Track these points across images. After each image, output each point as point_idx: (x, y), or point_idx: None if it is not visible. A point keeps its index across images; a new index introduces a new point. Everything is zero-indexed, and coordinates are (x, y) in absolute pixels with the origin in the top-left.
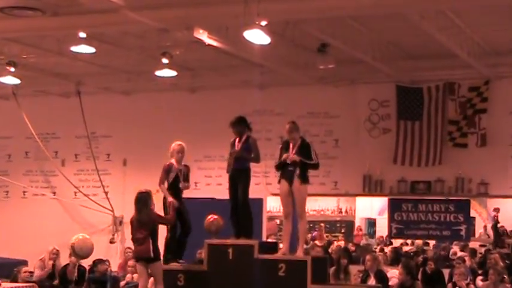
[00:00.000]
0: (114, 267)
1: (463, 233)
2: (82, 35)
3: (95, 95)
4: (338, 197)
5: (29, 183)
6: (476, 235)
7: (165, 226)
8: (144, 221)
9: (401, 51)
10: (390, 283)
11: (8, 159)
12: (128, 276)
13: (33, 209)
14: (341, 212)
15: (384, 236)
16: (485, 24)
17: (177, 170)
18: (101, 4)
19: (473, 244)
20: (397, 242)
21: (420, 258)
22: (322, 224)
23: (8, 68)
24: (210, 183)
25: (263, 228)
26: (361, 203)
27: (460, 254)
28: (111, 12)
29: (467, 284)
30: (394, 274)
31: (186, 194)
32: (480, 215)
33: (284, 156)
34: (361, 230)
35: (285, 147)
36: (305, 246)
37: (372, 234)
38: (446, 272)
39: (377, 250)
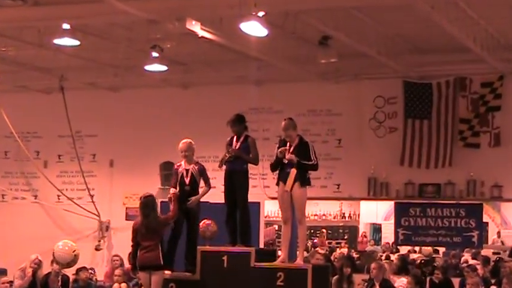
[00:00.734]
0: (100, 276)
1: (474, 239)
2: (66, 26)
3: (79, 91)
4: (341, 201)
5: (8, 185)
6: (489, 242)
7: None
8: (153, 227)
9: (409, 44)
10: None
11: None
12: (115, 286)
13: (13, 214)
14: (344, 217)
15: (390, 243)
16: (499, 15)
17: (182, 171)
18: None
19: (485, 251)
20: (404, 249)
21: (430, 268)
22: (324, 230)
23: None
24: (203, 185)
25: (260, 235)
26: (366, 208)
27: (471, 262)
28: (96, 2)
29: None
30: (401, 283)
31: None
32: (493, 220)
33: (281, 149)
34: (365, 236)
35: (282, 147)
36: (305, 253)
37: (377, 240)
38: (456, 281)
39: (383, 258)
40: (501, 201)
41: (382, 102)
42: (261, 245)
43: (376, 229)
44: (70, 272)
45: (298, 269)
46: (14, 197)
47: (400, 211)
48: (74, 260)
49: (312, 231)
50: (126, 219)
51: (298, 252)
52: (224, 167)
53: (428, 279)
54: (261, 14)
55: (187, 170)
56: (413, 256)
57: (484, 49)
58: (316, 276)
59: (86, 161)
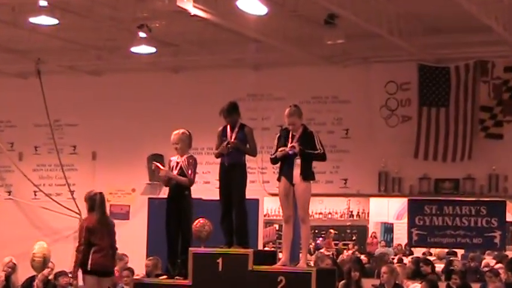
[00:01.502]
0: (81, 281)
1: (497, 240)
2: (43, 3)
3: (58, 76)
4: (348, 198)
5: None
6: None
7: None
8: (110, 226)
9: (425, 23)
10: None
11: None
12: None
13: None
14: (352, 216)
15: (403, 244)
16: None
17: (173, 164)
18: None
19: (509, 254)
20: (418, 252)
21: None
22: (331, 231)
23: None
24: (196, 180)
25: (259, 235)
26: (376, 205)
27: (493, 265)
28: None
29: None
30: None
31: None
32: None
33: (281, 149)
34: (375, 237)
35: (283, 136)
36: (309, 256)
37: (388, 241)
38: (476, 287)
39: (394, 261)
40: None
41: (395, 88)
42: (260, 247)
43: (388, 229)
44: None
45: (301, 273)
46: None
47: (414, 209)
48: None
49: (316, 231)
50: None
51: (301, 254)
52: (219, 159)
53: (445, 284)
54: None
55: (177, 163)
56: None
57: (507, 29)
58: (321, 281)
59: (65, 153)
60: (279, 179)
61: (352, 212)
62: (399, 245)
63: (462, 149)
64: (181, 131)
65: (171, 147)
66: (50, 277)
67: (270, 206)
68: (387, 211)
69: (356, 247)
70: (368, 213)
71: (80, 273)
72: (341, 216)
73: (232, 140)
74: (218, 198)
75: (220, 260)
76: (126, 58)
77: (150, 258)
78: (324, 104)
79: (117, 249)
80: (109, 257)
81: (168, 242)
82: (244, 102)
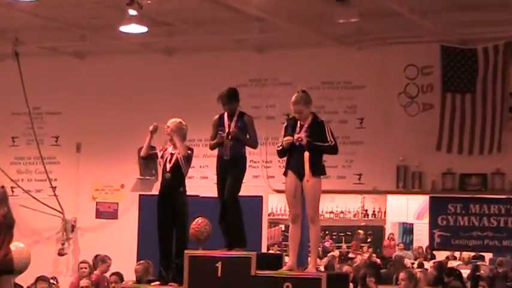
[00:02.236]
0: (64, 287)
1: None
2: None
3: (38, 58)
4: (363, 195)
5: None
6: None
7: None
8: (12, 224)
9: (448, 0)
10: None
11: None
12: None
13: None
14: (367, 215)
15: (424, 247)
16: None
17: (167, 155)
18: None
19: None
20: (441, 255)
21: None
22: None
23: None
24: (192, 175)
25: (263, 236)
26: (394, 203)
27: None
28: None
29: None
30: None
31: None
32: None
33: (286, 139)
34: (393, 238)
35: (290, 126)
36: (318, 260)
37: (407, 244)
38: None
39: (414, 266)
40: None
41: (415, 73)
42: (264, 249)
43: (407, 230)
44: (24, 282)
45: (310, 278)
46: None
47: (437, 208)
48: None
49: (327, 232)
50: (97, 217)
51: (309, 257)
52: (215, 151)
53: None
54: None
55: (172, 155)
56: (452, 264)
57: None
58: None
59: (46, 144)
60: (285, 174)
61: (367, 211)
62: (420, 247)
63: (490, 141)
64: (177, 120)
65: (164, 138)
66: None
67: (275, 204)
68: (406, 210)
69: (371, 250)
70: (385, 213)
71: None
72: (354, 216)
73: (233, 128)
74: (216, 195)
75: (219, 264)
76: (114, 39)
77: (141, 262)
78: (335, 90)
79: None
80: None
81: (161, 244)
82: (246, 88)
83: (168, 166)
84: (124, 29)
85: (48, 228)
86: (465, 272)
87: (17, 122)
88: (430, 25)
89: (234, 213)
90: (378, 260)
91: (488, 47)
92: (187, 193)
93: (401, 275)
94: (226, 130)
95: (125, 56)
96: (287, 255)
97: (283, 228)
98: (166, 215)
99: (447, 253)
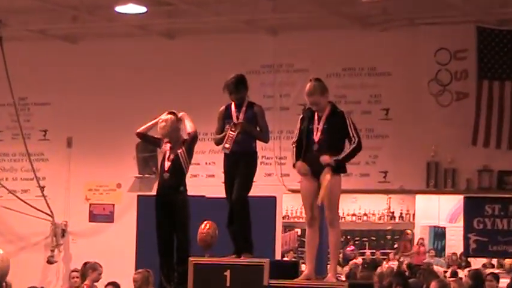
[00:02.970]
0: None
1: None
2: None
3: (24, 42)
4: (389, 195)
5: None
6: None
7: None
8: None
9: None
10: None
11: None
12: None
13: None
14: (393, 218)
15: (458, 254)
16: None
17: (166, 151)
18: None
19: None
20: (477, 263)
21: None
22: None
23: None
24: (197, 173)
25: (277, 242)
26: (424, 204)
27: None
28: None
29: None
30: None
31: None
32: None
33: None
34: (422, 244)
35: (307, 118)
36: (339, 268)
37: (439, 250)
38: None
39: (447, 274)
40: None
41: (447, 57)
42: (278, 256)
43: (438, 234)
44: None
45: None
46: None
47: (472, 209)
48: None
49: (348, 237)
50: (91, 221)
51: (329, 265)
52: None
53: None
54: None
55: (170, 150)
56: (489, 271)
57: None
58: None
59: (34, 139)
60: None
61: (393, 213)
62: (453, 254)
63: None
64: (168, 118)
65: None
66: None
67: (290, 206)
68: (438, 212)
69: (398, 257)
70: (413, 215)
71: None
72: (379, 219)
73: (241, 119)
74: (224, 195)
75: (228, 273)
76: (109, 20)
77: (139, 271)
78: (358, 77)
79: None
80: None
81: (161, 250)
82: (257, 76)
83: (167, 165)
84: (120, 9)
85: (35, 233)
86: (504, 282)
87: (1, 114)
88: (465, 4)
89: (242, 216)
90: (406, 268)
91: None
92: (192, 193)
93: (433, 284)
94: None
95: (122, 40)
96: (304, 263)
97: (299, 233)
98: (165, 217)
99: (484, 260)
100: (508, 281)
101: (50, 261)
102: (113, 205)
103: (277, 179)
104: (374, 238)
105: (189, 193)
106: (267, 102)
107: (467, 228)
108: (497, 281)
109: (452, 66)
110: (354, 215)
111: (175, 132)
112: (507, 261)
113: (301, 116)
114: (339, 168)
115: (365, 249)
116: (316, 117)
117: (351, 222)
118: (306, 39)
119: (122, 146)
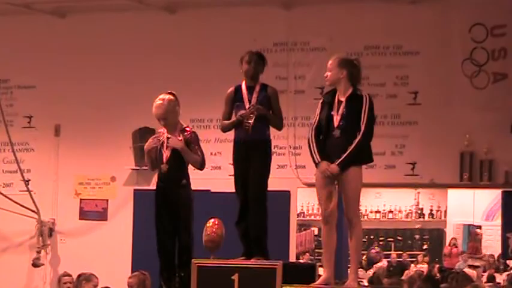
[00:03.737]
0: None
1: None
2: None
3: (7, 18)
4: (417, 190)
5: None
6: None
7: None
8: None
9: None
10: None
11: None
12: None
13: None
14: (422, 215)
15: (496, 256)
16: None
17: (163, 140)
18: None
19: None
20: None
21: None
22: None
23: None
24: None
25: (291, 242)
26: (457, 200)
27: None
28: None
29: None
30: None
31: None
32: None
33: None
34: (455, 245)
35: (327, 103)
36: (361, 271)
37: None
38: None
39: (483, 279)
40: None
41: (483, 34)
42: (293, 258)
43: (474, 234)
44: None
45: None
46: None
47: None
48: None
49: (371, 236)
50: (81, 219)
51: (349, 269)
52: (230, 134)
53: None
54: None
55: (168, 139)
56: None
57: None
58: None
59: (17, 126)
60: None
61: (422, 209)
62: (490, 256)
63: None
64: (166, 97)
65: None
66: None
67: (306, 201)
68: (473, 209)
69: (428, 259)
70: (445, 212)
71: None
72: (407, 216)
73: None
74: (233, 190)
75: (236, 277)
76: None
77: (134, 274)
78: (382, 57)
79: None
80: None
81: (160, 252)
82: (269, 55)
83: (165, 156)
84: None
85: (19, 233)
86: None
87: None
88: None
89: (259, 214)
90: (437, 272)
91: None
92: (195, 188)
93: None
94: (247, 106)
95: (116, 15)
96: (321, 266)
97: (316, 232)
98: (166, 215)
99: None
100: None
101: (35, 264)
102: (107, 201)
103: (292, 171)
104: (400, 238)
105: (192, 187)
106: (279, 84)
107: (506, 227)
108: None
109: (489, 43)
110: (377, 212)
111: (172, 114)
112: None
113: (321, 101)
114: (362, 157)
115: (390, 250)
116: (336, 101)
117: (374, 220)
118: (324, 14)
119: (116, 134)
